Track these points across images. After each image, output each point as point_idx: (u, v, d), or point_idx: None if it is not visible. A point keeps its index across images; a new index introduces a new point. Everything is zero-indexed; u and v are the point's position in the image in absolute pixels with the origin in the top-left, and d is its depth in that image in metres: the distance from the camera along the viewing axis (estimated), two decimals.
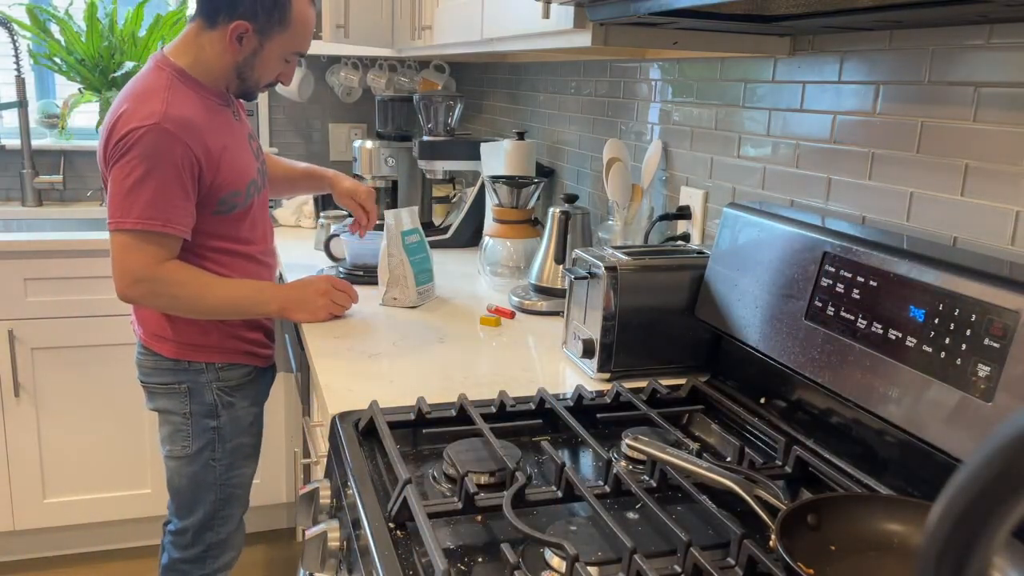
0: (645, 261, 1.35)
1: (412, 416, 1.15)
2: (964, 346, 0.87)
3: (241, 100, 1.73)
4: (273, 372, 1.89)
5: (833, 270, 1.07)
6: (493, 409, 1.18)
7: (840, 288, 1.05)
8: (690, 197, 1.66)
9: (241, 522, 1.84)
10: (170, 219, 1.51)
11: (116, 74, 2.91)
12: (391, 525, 0.90)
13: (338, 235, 2.08)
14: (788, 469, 1.03)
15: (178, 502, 1.77)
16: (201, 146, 1.52)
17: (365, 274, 1.96)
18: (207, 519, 1.76)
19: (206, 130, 1.54)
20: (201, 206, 1.57)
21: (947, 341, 0.89)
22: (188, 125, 1.51)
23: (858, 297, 1.02)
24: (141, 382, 1.73)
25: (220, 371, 1.70)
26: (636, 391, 1.25)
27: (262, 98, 3.09)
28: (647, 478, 1.01)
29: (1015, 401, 0.81)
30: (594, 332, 1.34)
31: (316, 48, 2.75)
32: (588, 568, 0.78)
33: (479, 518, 0.93)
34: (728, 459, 1.09)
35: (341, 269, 2.00)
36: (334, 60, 3.09)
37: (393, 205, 2.59)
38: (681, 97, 1.71)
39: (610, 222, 1.77)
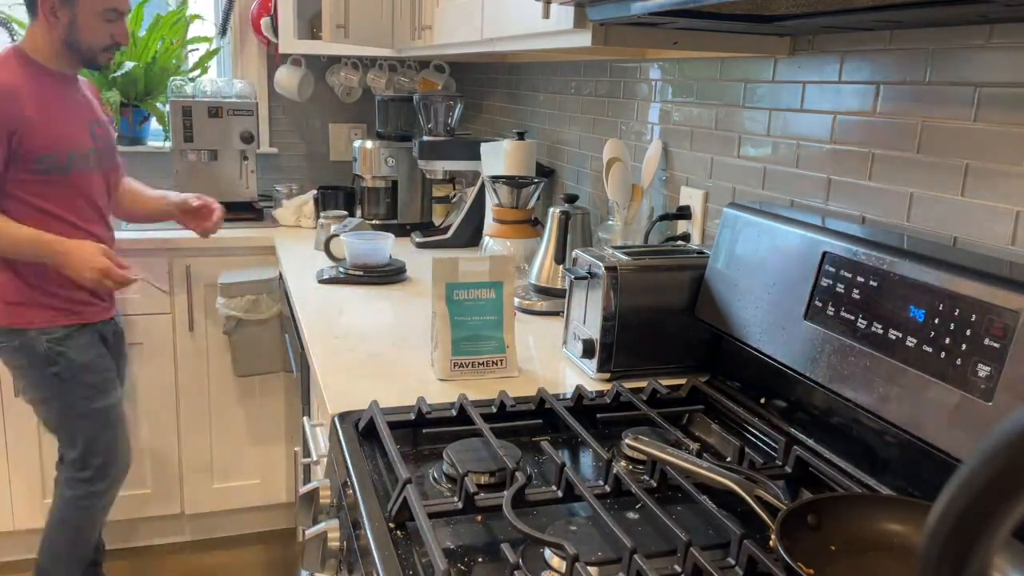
0: (645, 261, 1.35)
1: (412, 416, 1.15)
2: (964, 346, 0.87)
3: (90, 70, 2.04)
4: (114, 325, 2.11)
5: (833, 270, 1.07)
6: (493, 409, 1.18)
7: (840, 288, 1.05)
8: (690, 197, 1.66)
9: (123, 443, 2.07)
10: None
11: (116, 74, 2.91)
12: (391, 525, 0.90)
13: (338, 235, 2.08)
14: (788, 469, 1.03)
15: (59, 437, 2.03)
16: (17, 108, 1.78)
17: (365, 274, 1.97)
18: (88, 445, 2.00)
19: (26, 96, 1.80)
20: (17, 161, 1.80)
21: (947, 341, 0.89)
22: (2, 91, 1.78)
23: (858, 297, 1.02)
24: None
25: (40, 331, 1.91)
26: (636, 391, 1.25)
27: (262, 98, 3.09)
28: (647, 478, 1.01)
29: (1015, 401, 0.81)
30: (594, 332, 1.34)
31: (316, 48, 2.76)
32: (588, 568, 0.78)
33: (479, 518, 0.93)
34: (728, 459, 1.09)
35: (341, 269, 2.00)
36: (334, 60, 3.08)
37: (393, 205, 2.60)
38: (681, 97, 1.71)
39: (610, 222, 1.77)
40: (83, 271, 1.82)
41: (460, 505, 0.91)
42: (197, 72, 3.09)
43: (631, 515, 0.95)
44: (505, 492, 0.92)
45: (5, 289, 1.90)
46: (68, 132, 1.87)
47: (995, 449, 0.37)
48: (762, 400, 1.23)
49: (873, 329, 0.99)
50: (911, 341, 0.94)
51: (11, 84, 1.80)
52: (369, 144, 2.57)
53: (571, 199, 1.73)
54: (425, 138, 2.44)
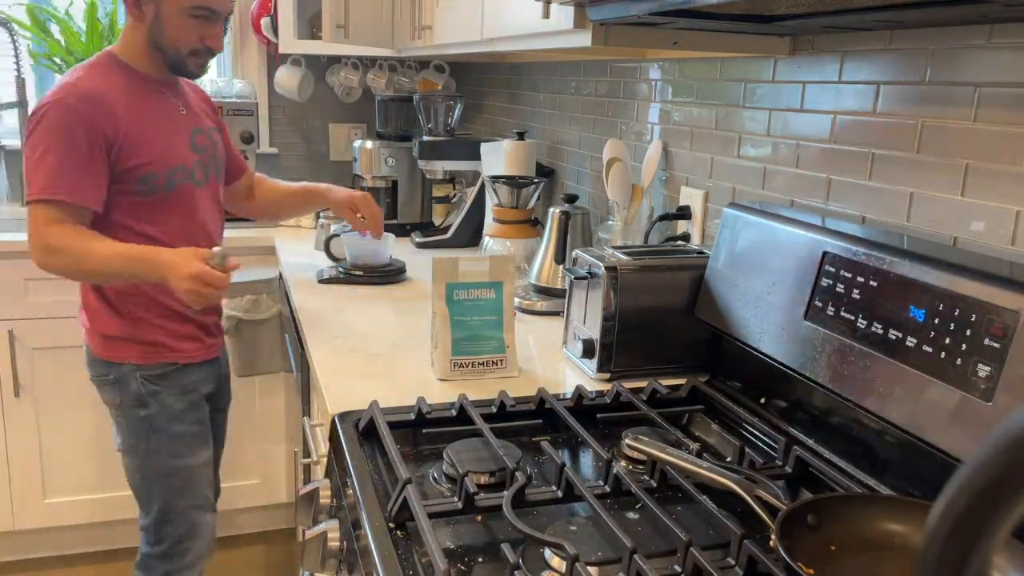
0: (645, 261, 1.35)
1: (412, 416, 1.15)
2: (964, 346, 0.87)
3: (190, 82, 1.79)
4: (218, 367, 1.89)
5: (833, 270, 1.07)
6: (493, 409, 1.18)
7: (840, 288, 1.05)
8: (690, 197, 1.66)
9: (204, 515, 1.81)
10: (71, 189, 1.54)
11: None
12: (391, 525, 0.90)
13: (338, 235, 2.08)
14: (788, 469, 1.03)
15: (137, 497, 1.79)
16: (111, 120, 1.56)
17: (365, 274, 1.97)
18: (163, 512, 1.76)
19: (122, 107, 1.58)
20: (120, 182, 1.59)
21: (947, 341, 0.89)
22: (96, 99, 1.55)
23: (858, 297, 1.02)
24: (88, 367, 1.78)
25: (136, 368, 1.70)
26: (636, 391, 1.25)
27: (262, 98, 3.09)
28: (647, 478, 1.01)
29: (1015, 401, 0.81)
30: (594, 332, 1.34)
31: (316, 48, 2.76)
32: (588, 568, 0.78)
33: (479, 518, 0.93)
34: (728, 459, 1.09)
35: (341, 269, 2.00)
36: (334, 60, 3.08)
37: (393, 205, 2.60)
38: (681, 97, 1.71)
39: (610, 222, 1.77)
40: (180, 282, 1.47)
41: (460, 505, 0.91)
42: None
43: (631, 515, 0.95)
44: (505, 492, 0.92)
45: (100, 320, 1.72)
46: (167, 146, 1.64)
47: (995, 449, 0.37)
48: (762, 400, 1.23)
49: (873, 329, 0.99)
50: (911, 341, 0.94)
51: (102, 91, 1.56)
52: (369, 144, 2.57)
53: (571, 199, 1.73)
54: (425, 138, 2.44)
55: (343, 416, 1.18)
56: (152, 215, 1.64)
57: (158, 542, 1.78)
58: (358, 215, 1.91)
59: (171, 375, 1.73)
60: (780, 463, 1.06)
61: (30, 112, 1.58)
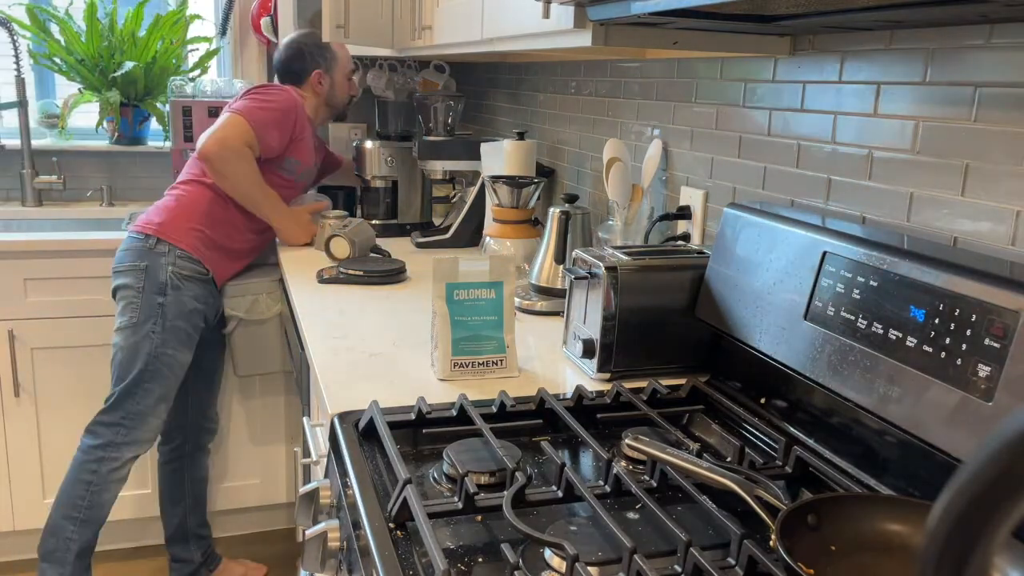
0: (645, 261, 1.35)
1: (412, 416, 1.15)
2: (964, 346, 0.87)
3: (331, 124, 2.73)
4: (218, 301, 2.29)
5: (833, 270, 1.07)
6: (493, 409, 1.18)
7: (840, 288, 1.05)
8: (690, 197, 1.66)
9: (160, 409, 2.15)
10: (267, 134, 2.18)
11: (116, 74, 2.91)
12: (391, 525, 0.90)
13: (338, 235, 2.08)
14: (788, 469, 1.03)
15: (116, 374, 2.13)
16: (300, 123, 2.27)
17: (365, 274, 1.97)
18: (132, 385, 2.11)
19: (306, 120, 2.31)
20: (277, 156, 2.25)
21: (947, 341, 0.89)
22: (302, 108, 2.30)
23: (858, 297, 1.02)
24: (113, 270, 2.17)
25: (178, 258, 2.14)
26: (636, 391, 1.25)
27: None
28: (647, 478, 1.01)
29: (1015, 401, 0.81)
30: (594, 332, 1.34)
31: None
32: (588, 568, 0.78)
33: (479, 518, 0.93)
34: (728, 459, 1.09)
35: (341, 269, 2.00)
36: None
37: (393, 205, 2.59)
38: (681, 97, 1.71)
39: (610, 222, 1.77)
40: (292, 220, 2.29)
41: (460, 505, 0.91)
42: (197, 72, 3.09)
43: (631, 515, 0.95)
44: (505, 492, 0.92)
45: (174, 208, 2.19)
46: (306, 153, 2.34)
47: (995, 449, 0.37)
48: (762, 400, 1.23)
49: (873, 329, 0.99)
50: (911, 341, 0.94)
51: (303, 110, 2.30)
52: (369, 144, 2.57)
53: (571, 199, 1.73)
54: (425, 138, 2.43)
55: (343, 416, 1.18)
56: (278, 181, 2.28)
57: (114, 410, 2.12)
58: None
59: (195, 280, 2.17)
60: (780, 463, 1.06)
61: (262, 86, 2.33)
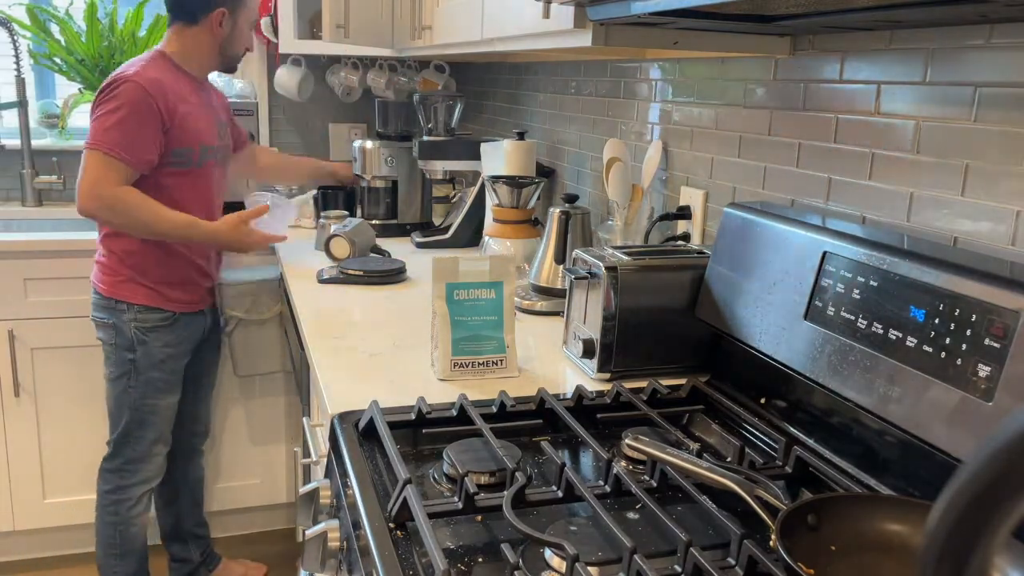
0: (645, 261, 1.35)
1: (412, 416, 1.15)
2: (964, 346, 0.87)
3: (225, 73, 2.31)
4: (203, 320, 2.24)
5: (833, 270, 1.07)
6: (493, 409, 1.18)
7: (840, 288, 1.05)
8: (690, 197, 1.66)
9: (157, 448, 2.18)
10: (131, 151, 1.91)
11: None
12: (391, 525, 0.90)
13: (338, 235, 2.08)
14: (788, 469, 1.03)
15: (110, 417, 2.16)
16: (164, 102, 1.93)
17: (365, 274, 1.97)
18: (124, 435, 2.14)
19: (171, 92, 1.96)
20: (163, 155, 1.97)
21: (947, 341, 0.89)
22: (157, 84, 1.93)
23: (858, 297, 1.02)
24: (91, 318, 2.13)
25: (138, 312, 2.07)
26: (636, 391, 1.25)
27: (262, 98, 3.09)
28: (647, 478, 1.01)
29: (1015, 401, 0.81)
30: (594, 332, 1.34)
31: (316, 48, 2.76)
32: (588, 568, 0.78)
33: (479, 518, 0.93)
34: (728, 459, 1.09)
35: (341, 269, 2.00)
36: (334, 60, 3.08)
37: (393, 205, 2.59)
38: (681, 97, 1.71)
39: (610, 222, 1.77)
40: (231, 232, 2.03)
41: (460, 505, 0.91)
42: None
43: (631, 515, 0.95)
44: (505, 492, 0.92)
45: (111, 266, 2.07)
46: (203, 129, 2.05)
47: (995, 449, 0.37)
48: (762, 400, 1.23)
49: (873, 329, 0.99)
50: (911, 341, 0.94)
51: (162, 80, 1.95)
52: (369, 144, 2.57)
53: (571, 199, 1.73)
54: (425, 138, 2.43)
55: (343, 416, 1.18)
56: (178, 183, 2.02)
57: (115, 457, 2.16)
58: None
59: (161, 329, 2.10)
60: (780, 463, 1.06)
61: (97, 92, 1.94)
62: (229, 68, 2.19)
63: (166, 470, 2.33)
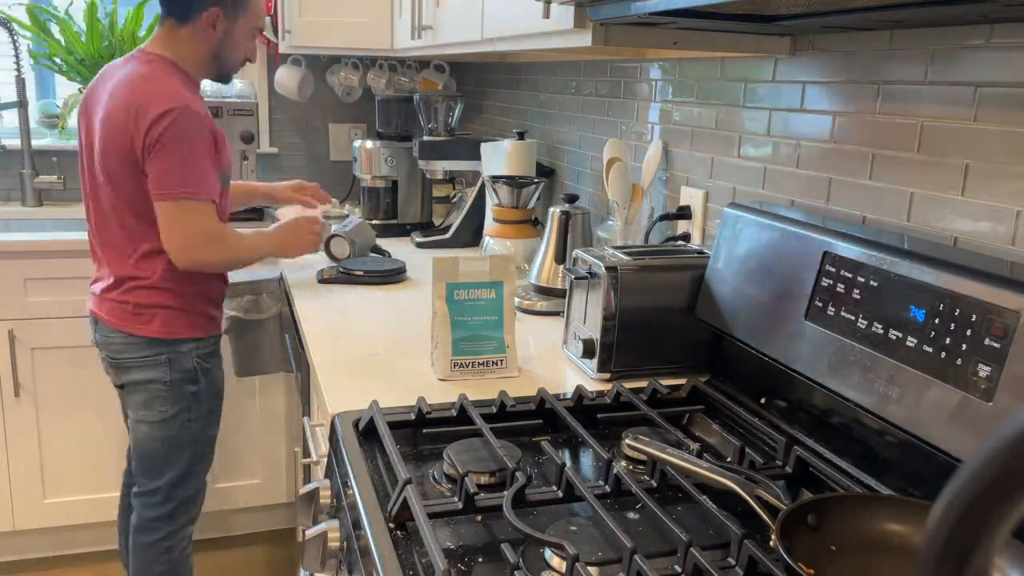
0: (645, 261, 1.35)
1: (412, 416, 1.15)
2: (964, 346, 0.87)
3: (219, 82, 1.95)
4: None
5: (833, 270, 1.07)
6: (493, 409, 1.18)
7: (840, 288, 1.05)
8: (690, 197, 1.66)
9: (205, 479, 1.98)
10: (212, 190, 1.72)
11: None
12: (391, 525, 0.90)
13: (338, 235, 2.08)
14: (788, 469, 1.03)
15: (146, 465, 1.89)
16: (212, 126, 1.73)
17: (365, 274, 1.97)
18: (178, 478, 1.89)
19: (213, 126, 1.74)
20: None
21: (947, 341, 0.89)
22: (202, 106, 1.72)
23: (858, 297, 1.02)
24: (110, 359, 1.86)
25: (198, 341, 1.86)
26: (636, 391, 1.25)
27: (262, 98, 3.09)
28: (647, 478, 1.00)
29: (1015, 401, 0.81)
30: (594, 332, 1.34)
31: (316, 48, 2.76)
32: (588, 568, 0.78)
33: (479, 518, 0.93)
34: (728, 459, 1.09)
35: (341, 269, 2.00)
36: (334, 60, 3.08)
37: (393, 205, 2.60)
38: (681, 97, 1.71)
39: (610, 222, 1.77)
40: (303, 236, 1.90)
41: (460, 505, 0.91)
42: None
43: (631, 515, 0.95)
44: (505, 492, 0.92)
45: (138, 302, 1.81)
46: (229, 154, 1.85)
47: (995, 449, 0.37)
48: (762, 400, 1.23)
49: (873, 329, 0.99)
50: (911, 341, 0.94)
51: (199, 103, 1.72)
52: (369, 144, 2.57)
53: (571, 199, 1.73)
54: (425, 138, 2.43)
55: (343, 416, 1.18)
56: (218, 210, 1.79)
57: (166, 502, 1.90)
58: (305, 195, 2.24)
59: (217, 352, 1.92)
60: (780, 463, 1.06)
61: (135, 121, 1.66)
62: (223, 78, 1.90)
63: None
